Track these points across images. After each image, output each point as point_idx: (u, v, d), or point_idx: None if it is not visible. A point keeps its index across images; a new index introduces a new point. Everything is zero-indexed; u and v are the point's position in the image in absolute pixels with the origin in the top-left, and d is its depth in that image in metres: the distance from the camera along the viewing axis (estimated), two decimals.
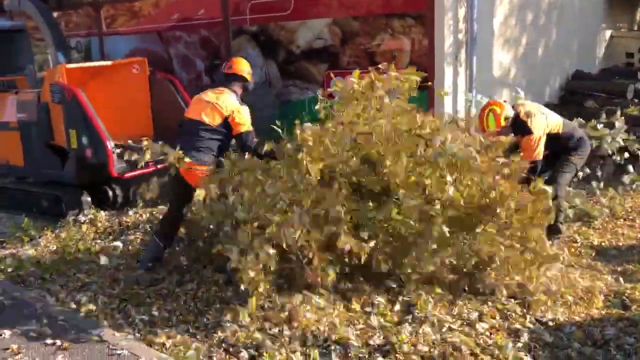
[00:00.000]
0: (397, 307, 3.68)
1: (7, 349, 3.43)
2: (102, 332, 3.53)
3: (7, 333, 3.60)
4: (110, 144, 5.26)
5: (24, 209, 6.24)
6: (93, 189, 5.84)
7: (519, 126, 4.58)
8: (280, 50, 7.07)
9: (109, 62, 6.64)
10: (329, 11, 6.59)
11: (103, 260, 4.65)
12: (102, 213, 5.69)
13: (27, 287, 4.37)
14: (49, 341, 3.49)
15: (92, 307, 3.95)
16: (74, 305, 4.03)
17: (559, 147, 4.75)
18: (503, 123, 4.56)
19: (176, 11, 8.26)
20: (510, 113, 4.61)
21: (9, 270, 4.68)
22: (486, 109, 4.64)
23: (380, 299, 3.75)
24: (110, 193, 5.89)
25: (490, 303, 3.69)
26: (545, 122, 4.63)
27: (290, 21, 6.86)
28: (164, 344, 3.43)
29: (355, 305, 3.70)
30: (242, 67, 4.54)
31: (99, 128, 5.31)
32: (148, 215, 5.64)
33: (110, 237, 5.25)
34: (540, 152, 4.58)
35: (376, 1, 6.23)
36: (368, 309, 3.68)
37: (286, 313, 3.59)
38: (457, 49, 6.03)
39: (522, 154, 4.28)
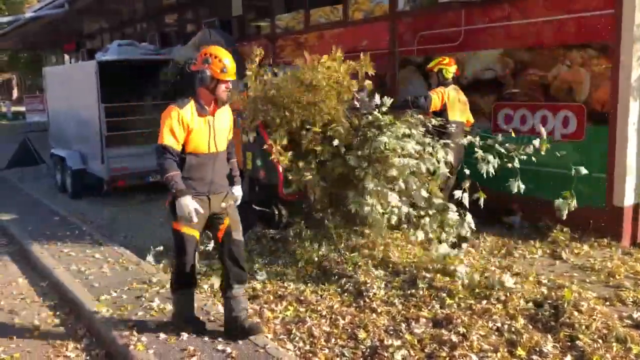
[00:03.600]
0: (568, 358, 3.42)
1: (185, 349, 3.75)
2: (267, 345, 3.72)
3: (185, 335, 3.94)
4: (281, 167, 5.57)
5: None
6: (262, 208, 6.22)
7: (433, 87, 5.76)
8: None
9: None
10: (501, 42, 6.42)
11: (260, 275, 4.96)
12: (269, 231, 6.04)
13: (201, 294, 4.77)
14: (220, 347, 3.75)
15: (257, 320, 4.19)
16: None
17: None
18: (436, 69, 5.76)
19: (345, 43, 8.60)
20: (448, 74, 5.71)
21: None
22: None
23: (549, 348, 3.51)
24: (277, 213, 6.22)
25: None
26: (446, 105, 5.55)
27: (459, 52, 6.81)
28: None
29: (521, 352, 3.50)
30: None
31: (272, 152, 5.66)
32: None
33: (272, 256, 5.55)
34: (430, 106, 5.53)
35: (553, 32, 5.94)
36: (535, 357, 3.46)
37: (446, 350, 3.51)
38: None
39: None
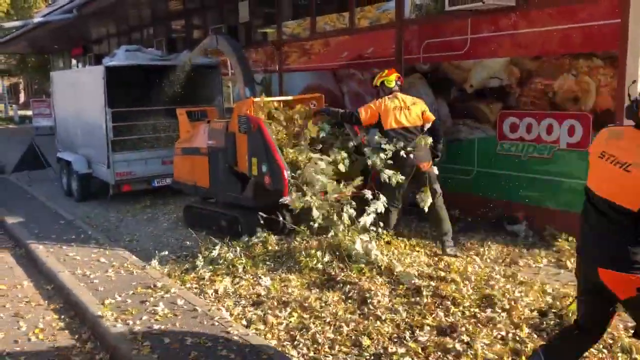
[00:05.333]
0: None
1: (188, 354, 3.76)
2: (271, 352, 3.72)
3: (189, 340, 3.95)
4: (287, 174, 5.59)
5: (205, 227, 6.88)
6: (266, 213, 6.23)
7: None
8: (452, 89, 7.03)
9: (289, 97, 7.11)
10: (507, 51, 6.43)
11: (264, 281, 4.96)
12: (273, 237, 6.04)
13: (205, 299, 4.78)
14: (223, 353, 3.76)
15: (261, 326, 4.20)
16: (245, 322, 4.31)
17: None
18: (378, 83, 6.02)
19: (351, 50, 8.64)
20: (390, 84, 5.95)
21: (190, 282, 5.17)
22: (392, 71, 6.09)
23: None
24: (281, 219, 6.23)
25: None
26: (385, 113, 5.80)
27: (465, 60, 6.82)
28: None
29: None
30: None
31: (278, 158, 5.68)
32: (316, 243, 5.86)
33: (279, 261, 5.55)
34: (362, 120, 5.90)
35: (559, 41, 5.95)
36: None
37: (451, 358, 3.51)
38: None
39: None
